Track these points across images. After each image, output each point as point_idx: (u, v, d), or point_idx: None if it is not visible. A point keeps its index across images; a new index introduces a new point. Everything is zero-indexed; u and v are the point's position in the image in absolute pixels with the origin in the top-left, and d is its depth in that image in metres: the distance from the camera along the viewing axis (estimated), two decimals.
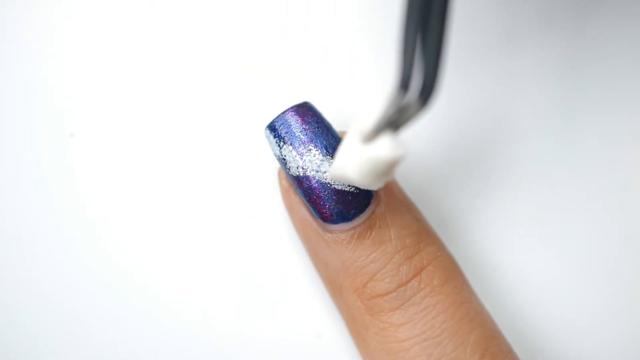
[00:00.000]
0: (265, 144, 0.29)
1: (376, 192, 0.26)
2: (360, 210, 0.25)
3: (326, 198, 0.25)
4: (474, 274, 0.29)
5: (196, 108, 0.31)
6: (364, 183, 0.22)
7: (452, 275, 0.25)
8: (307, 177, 0.25)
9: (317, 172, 0.25)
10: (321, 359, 0.30)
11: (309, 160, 0.25)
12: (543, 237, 0.30)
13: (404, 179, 0.29)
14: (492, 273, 0.30)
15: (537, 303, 0.30)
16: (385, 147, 0.21)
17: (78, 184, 0.31)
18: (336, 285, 0.26)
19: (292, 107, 0.26)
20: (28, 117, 0.31)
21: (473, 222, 0.30)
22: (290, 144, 0.25)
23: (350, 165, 0.22)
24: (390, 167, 0.21)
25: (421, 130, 0.30)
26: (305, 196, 0.25)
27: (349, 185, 0.25)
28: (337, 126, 0.27)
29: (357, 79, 0.31)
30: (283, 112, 0.26)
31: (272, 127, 0.26)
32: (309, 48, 0.31)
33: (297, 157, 0.25)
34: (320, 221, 0.25)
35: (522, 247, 0.30)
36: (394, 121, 0.20)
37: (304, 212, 0.26)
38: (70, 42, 0.31)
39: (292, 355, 0.30)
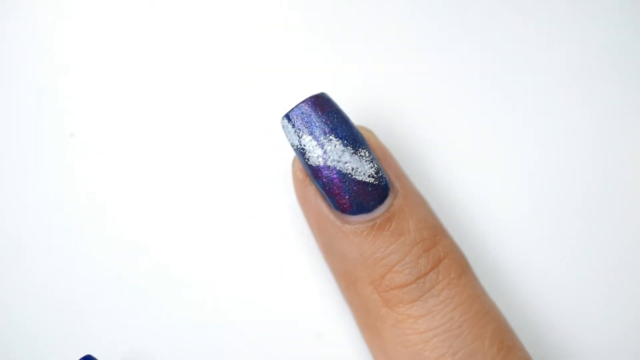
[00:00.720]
0: (265, 144, 0.29)
1: (393, 184, 0.26)
2: (379, 201, 0.25)
3: (346, 189, 0.25)
4: (478, 271, 0.29)
5: (196, 108, 0.31)
6: None
7: (466, 268, 0.26)
8: (327, 167, 0.25)
9: (338, 162, 0.25)
10: (322, 359, 0.30)
11: (330, 150, 0.25)
12: (544, 236, 0.31)
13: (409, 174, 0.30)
14: (492, 272, 0.30)
15: (538, 301, 0.30)
16: None
17: (78, 184, 0.30)
18: (351, 277, 0.26)
19: (310, 97, 0.26)
20: (28, 117, 0.31)
21: (473, 221, 0.31)
22: (310, 134, 0.25)
23: None
24: None
25: (422, 131, 0.30)
26: (323, 187, 0.25)
27: (369, 176, 0.25)
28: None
29: (358, 79, 0.31)
30: (301, 102, 0.25)
31: (290, 117, 0.25)
32: (309, 48, 0.31)
33: (317, 147, 0.25)
34: (339, 212, 0.25)
35: (523, 247, 0.31)
36: None
37: (320, 203, 0.26)
38: (71, 42, 0.31)
39: (292, 355, 0.30)
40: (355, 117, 0.29)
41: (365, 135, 0.26)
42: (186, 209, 0.30)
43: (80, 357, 0.27)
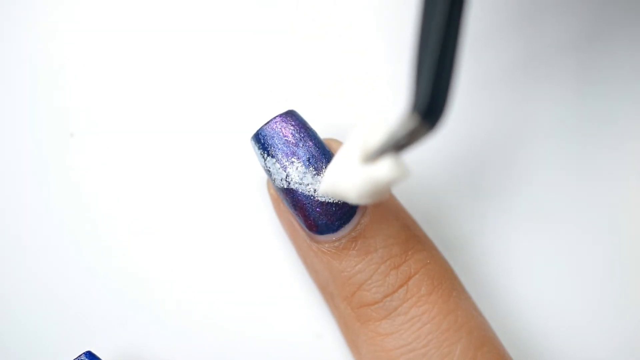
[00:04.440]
0: None
1: None
2: (345, 221, 0.25)
3: (310, 210, 0.25)
4: (471, 278, 0.29)
5: (196, 108, 0.31)
6: (359, 201, 0.21)
7: (441, 282, 0.25)
8: (290, 190, 0.25)
9: (300, 184, 0.25)
10: (322, 359, 0.30)
11: (292, 173, 0.25)
12: (542, 241, 0.30)
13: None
14: (490, 276, 0.30)
15: (536, 307, 0.30)
16: (388, 168, 0.20)
17: (78, 184, 0.31)
18: (328, 291, 0.26)
19: (275, 117, 0.26)
20: (28, 117, 0.31)
21: (471, 224, 0.30)
22: (273, 156, 0.25)
23: (348, 184, 0.21)
24: (389, 187, 0.21)
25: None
26: (291, 207, 0.25)
27: None
28: (328, 133, 0.27)
29: (349, 86, 0.31)
30: (267, 123, 0.25)
31: (256, 138, 0.26)
32: (303, 55, 0.31)
33: (281, 170, 0.25)
34: (308, 231, 0.25)
35: (521, 251, 0.30)
36: (399, 143, 0.20)
37: (293, 221, 0.26)
38: (71, 42, 0.31)
39: (291, 356, 0.30)
40: (337, 127, 0.29)
41: (337, 149, 0.26)
42: (187, 209, 0.30)
43: (81, 353, 0.27)
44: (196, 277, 0.30)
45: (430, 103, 0.18)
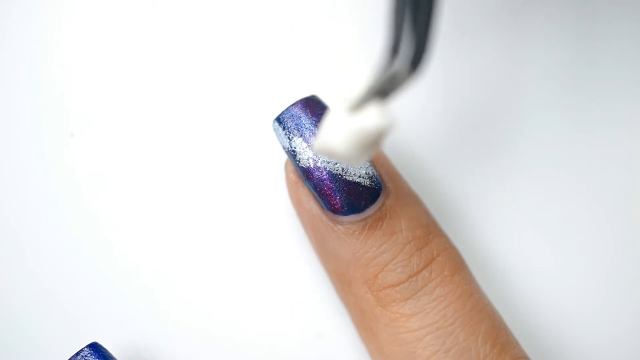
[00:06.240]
0: (264, 144, 0.29)
1: (385, 184, 0.26)
2: (370, 201, 0.25)
3: (337, 189, 0.25)
4: (474, 270, 0.29)
5: (196, 107, 0.31)
6: (350, 155, 0.21)
7: (460, 266, 0.26)
8: (318, 169, 0.25)
9: (328, 163, 0.25)
10: (322, 359, 0.30)
11: None
12: (544, 233, 0.31)
13: (405, 173, 0.30)
14: (491, 268, 0.30)
15: (537, 298, 0.30)
16: (372, 116, 0.20)
17: (78, 184, 0.31)
18: (345, 278, 0.26)
19: (300, 100, 0.26)
20: (28, 117, 0.31)
21: (473, 217, 0.31)
22: (301, 136, 0.25)
23: (336, 138, 0.21)
24: (377, 138, 0.21)
25: (420, 125, 0.30)
26: (315, 188, 0.25)
27: (359, 177, 0.25)
28: None
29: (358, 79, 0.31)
30: (292, 105, 0.26)
31: (280, 120, 0.26)
32: (310, 46, 0.31)
33: (308, 149, 0.25)
34: (331, 213, 0.25)
35: (522, 243, 0.30)
36: (383, 90, 0.20)
37: (313, 204, 0.26)
38: (71, 42, 0.31)
39: (292, 356, 0.30)
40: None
41: None
42: (185, 209, 0.30)
43: (86, 345, 0.27)
44: (196, 276, 0.30)
45: (416, 48, 0.18)
